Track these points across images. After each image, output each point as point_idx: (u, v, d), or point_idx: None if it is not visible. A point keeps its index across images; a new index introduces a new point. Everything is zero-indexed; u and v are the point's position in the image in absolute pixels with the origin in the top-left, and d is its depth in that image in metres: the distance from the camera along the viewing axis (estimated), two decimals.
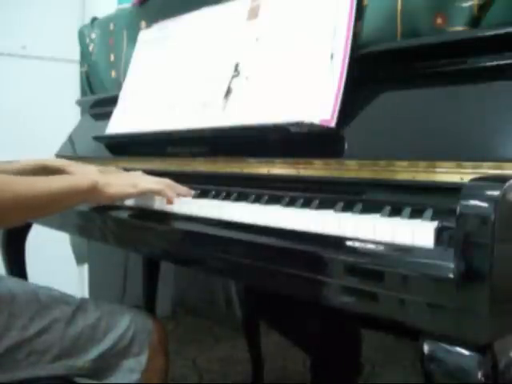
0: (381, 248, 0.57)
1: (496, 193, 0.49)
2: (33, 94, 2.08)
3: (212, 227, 0.77)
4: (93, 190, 0.82)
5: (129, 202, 0.98)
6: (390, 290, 0.54)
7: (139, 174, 0.95)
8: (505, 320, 0.51)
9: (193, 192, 0.94)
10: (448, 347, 0.51)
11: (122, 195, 0.88)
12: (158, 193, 0.89)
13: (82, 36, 1.67)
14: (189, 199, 0.91)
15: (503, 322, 0.51)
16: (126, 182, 0.89)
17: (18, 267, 1.50)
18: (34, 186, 0.75)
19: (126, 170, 1.11)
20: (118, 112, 1.30)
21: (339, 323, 1.24)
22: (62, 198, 0.80)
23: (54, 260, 1.99)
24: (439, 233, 0.55)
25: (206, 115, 1.02)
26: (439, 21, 0.78)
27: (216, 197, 0.91)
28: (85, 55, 1.67)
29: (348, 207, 0.72)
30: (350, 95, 0.81)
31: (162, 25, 1.28)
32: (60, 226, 1.28)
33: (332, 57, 0.84)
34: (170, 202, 0.88)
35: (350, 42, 0.83)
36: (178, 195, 0.90)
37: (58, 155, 1.57)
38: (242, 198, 0.87)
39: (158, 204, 0.91)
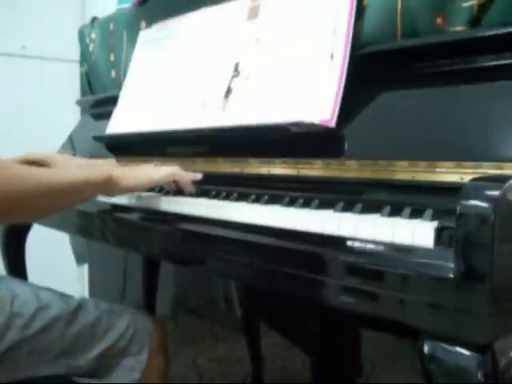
0: (381, 248, 0.57)
1: (496, 193, 0.49)
2: (33, 93, 2.08)
3: (212, 227, 0.77)
4: (107, 183, 0.82)
5: (129, 202, 0.98)
6: (389, 290, 0.54)
7: (151, 166, 0.96)
8: (505, 320, 0.51)
9: (200, 175, 0.94)
10: (448, 347, 0.51)
11: (137, 187, 0.88)
12: (174, 176, 0.91)
13: (82, 36, 1.67)
14: (189, 199, 0.91)
15: (503, 322, 0.51)
16: (140, 173, 0.89)
17: (18, 267, 1.50)
18: (54, 177, 0.75)
19: None
20: (118, 112, 1.30)
21: (339, 323, 1.24)
22: (77, 189, 0.79)
23: (54, 260, 2.00)
24: (439, 233, 0.55)
25: (206, 115, 1.02)
26: (439, 21, 0.78)
27: (216, 197, 0.91)
28: (85, 55, 1.67)
29: (348, 207, 0.72)
30: (350, 95, 0.81)
31: (162, 25, 1.28)
32: (60, 226, 1.28)
33: (332, 57, 0.84)
34: (187, 188, 0.91)
35: (350, 42, 0.83)
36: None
37: None
38: (242, 197, 0.87)
39: (158, 204, 0.91)
